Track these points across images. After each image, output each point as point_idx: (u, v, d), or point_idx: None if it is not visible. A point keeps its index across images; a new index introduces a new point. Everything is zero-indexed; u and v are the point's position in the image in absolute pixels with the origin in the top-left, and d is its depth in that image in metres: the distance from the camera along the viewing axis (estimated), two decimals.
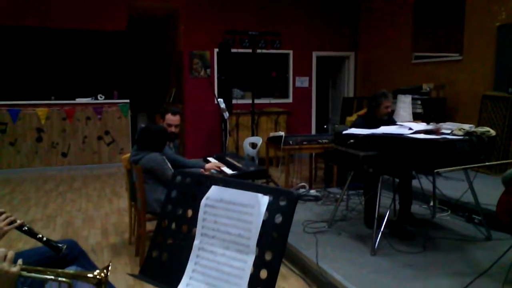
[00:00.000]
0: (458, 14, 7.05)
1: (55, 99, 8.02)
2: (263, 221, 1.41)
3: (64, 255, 2.26)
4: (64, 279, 1.70)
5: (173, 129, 4.14)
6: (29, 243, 4.04)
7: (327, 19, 9.37)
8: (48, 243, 2.09)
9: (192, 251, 1.52)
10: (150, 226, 3.92)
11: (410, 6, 8.06)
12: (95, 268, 2.18)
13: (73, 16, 7.99)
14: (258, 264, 1.38)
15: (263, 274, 1.37)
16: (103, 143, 8.33)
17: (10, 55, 7.87)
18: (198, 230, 1.53)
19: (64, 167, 8.06)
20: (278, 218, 1.40)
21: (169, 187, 1.69)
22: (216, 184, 1.55)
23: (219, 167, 4.20)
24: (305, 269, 3.58)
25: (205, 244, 1.51)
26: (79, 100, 8.14)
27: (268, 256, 1.38)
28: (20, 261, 1.72)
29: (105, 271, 1.72)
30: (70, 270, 1.82)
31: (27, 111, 7.82)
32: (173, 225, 1.63)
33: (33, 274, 1.72)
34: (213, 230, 1.50)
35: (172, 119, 4.13)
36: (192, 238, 1.54)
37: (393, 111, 6.32)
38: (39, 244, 2.19)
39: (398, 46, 8.39)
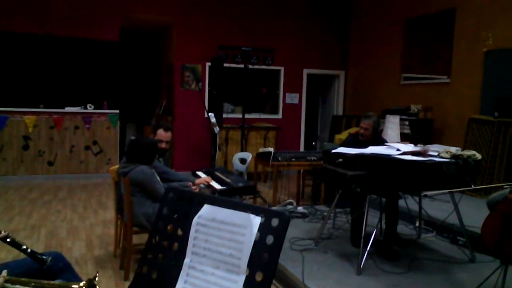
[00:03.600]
0: (447, 38, 7.20)
1: (44, 107, 7.96)
2: (255, 242, 1.42)
3: (49, 267, 2.24)
4: None
5: (164, 145, 4.15)
6: (12, 253, 3.98)
7: (318, 38, 9.50)
8: (32, 254, 2.07)
9: (182, 269, 1.52)
10: (136, 239, 3.90)
11: (401, 28, 8.22)
12: (81, 281, 2.16)
13: (65, 24, 7.98)
14: (249, 284, 1.38)
15: None
16: (90, 153, 8.27)
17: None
18: (189, 248, 1.54)
19: (50, 176, 7.97)
20: (270, 239, 1.41)
21: (161, 203, 1.69)
22: (208, 203, 1.56)
23: (208, 182, 4.20)
24: (290, 287, 3.57)
25: (196, 263, 1.51)
26: (68, 109, 8.09)
27: (258, 277, 1.38)
28: (4, 273, 1.70)
29: (91, 282, 1.70)
30: (57, 282, 1.80)
31: (15, 118, 7.74)
32: (164, 242, 1.62)
33: (17, 286, 1.70)
34: (204, 249, 1.51)
35: (163, 135, 4.14)
36: (182, 256, 1.54)
37: (381, 131, 6.41)
38: (23, 255, 2.18)
39: (388, 67, 8.53)
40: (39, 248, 4.25)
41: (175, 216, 1.64)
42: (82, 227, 5.21)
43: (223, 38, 8.46)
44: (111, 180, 4.37)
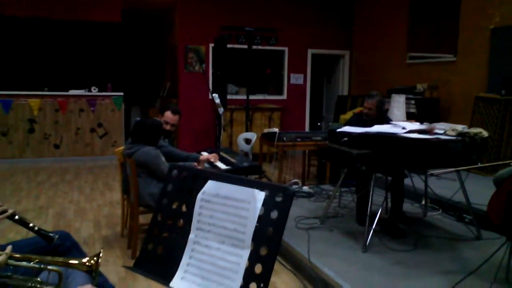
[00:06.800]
0: (453, 16, 7.09)
1: (48, 90, 7.97)
2: (259, 217, 1.42)
3: (56, 245, 2.26)
4: (54, 268, 1.69)
5: (169, 127, 4.14)
6: (20, 234, 4.02)
7: (323, 17, 9.38)
8: (39, 232, 2.09)
9: (187, 245, 1.53)
10: (143, 219, 3.93)
11: (406, 6, 8.09)
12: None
13: (67, 7, 7.93)
14: (253, 258, 1.39)
15: (258, 268, 1.38)
16: (96, 135, 8.30)
17: (3, 45, 7.79)
18: (194, 224, 1.54)
19: (56, 158, 8.02)
20: (274, 214, 1.41)
21: (165, 180, 1.69)
22: (212, 179, 1.56)
23: (213, 160, 4.20)
24: (296, 265, 3.60)
25: (201, 238, 1.51)
26: (72, 92, 8.09)
27: (263, 251, 1.39)
28: (8, 249, 1.70)
29: (95, 258, 1.71)
30: (60, 258, 1.81)
31: (20, 102, 7.76)
32: (169, 219, 1.63)
33: (22, 263, 1.70)
34: (208, 224, 1.51)
35: (170, 117, 4.13)
36: (187, 232, 1.55)
37: (387, 110, 6.36)
38: (31, 235, 2.19)
39: (393, 46, 8.43)
40: (47, 229, 4.28)
41: (180, 192, 1.64)
42: (89, 208, 5.25)
43: (226, 19, 8.38)
44: (116, 162, 4.39)
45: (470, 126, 4.59)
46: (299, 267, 3.55)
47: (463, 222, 4.37)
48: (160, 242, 1.62)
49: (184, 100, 8.63)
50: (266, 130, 6.21)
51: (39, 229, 2.10)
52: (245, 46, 7.62)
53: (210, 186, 1.56)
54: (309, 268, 3.40)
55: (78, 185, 6.38)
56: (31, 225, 2.08)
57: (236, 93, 8.85)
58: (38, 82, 7.94)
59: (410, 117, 6.63)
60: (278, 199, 1.43)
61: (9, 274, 1.71)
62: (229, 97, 7.93)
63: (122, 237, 4.26)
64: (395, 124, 4.11)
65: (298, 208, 4.75)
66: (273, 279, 3.42)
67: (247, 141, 6.39)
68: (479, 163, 3.80)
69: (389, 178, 4.25)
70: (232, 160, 4.27)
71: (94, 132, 8.28)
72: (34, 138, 7.91)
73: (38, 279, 1.74)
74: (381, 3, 8.77)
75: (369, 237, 3.67)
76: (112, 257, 3.78)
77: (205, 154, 4.38)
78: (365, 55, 9.35)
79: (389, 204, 4.41)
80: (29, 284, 1.69)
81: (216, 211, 1.51)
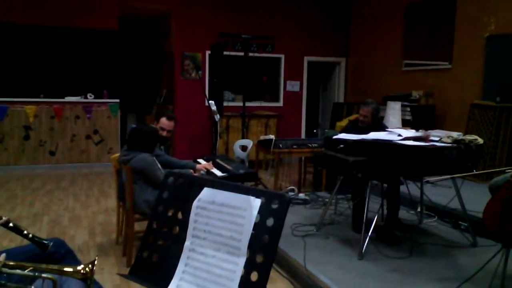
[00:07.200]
0: (448, 23, 7.14)
1: (44, 97, 7.94)
2: (255, 224, 1.41)
3: (51, 253, 2.24)
4: (48, 275, 1.68)
5: (165, 133, 4.14)
6: (14, 242, 3.99)
7: (319, 25, 9.43)
8: (34, 239, 2.07)
9: (183, 252, 1.52)
10: (138, 226, 3.91)
11: (401, 14, 8.15)
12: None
13: (64, 14, 7.93)
14: (249, 266, 1.38)
15: (254, 276, 1.37)
16: (91, 142, 8.27)
17: None
18: (189, 231, 1.53)
19: (52, 165, 7.98)
20: (270, 221, 1.40)
21: (161, 188, 1.69)
22: (208, 186, 1.56)
23: (209, 168, 4.20)
24: (292, 272, 3.59)
25: (196, 246, 1.51)
26: (68, 99, 8.07)
27: (259, 259, 1.38)
28: (2, 257, 1.68)
29: (90, 266, 1.70)
30: (55, 266, 1.79)
31: (15, 108, 7.73)
32: (164, 226, 1.62)
33: (16, 271, 1.69)
34: (204, 231, 1.51)
35: (166, 123, 4.13)
36: (183, 239, 1.54)
37: (382, 117, 6.39)
38: (25, 242, 2.17)
39: (389, 53, 8.47)
40: (42, 236, 4.26)
41: (175, 199, 1.63)
42: (84, 215, 5.23)
43: (223, 26, 8.40)
44: (112, 169, 4.38)
45: (465, 133, 4.61)
46: (295, 275, 3.54)
47: (459, 229, 4.38)
48: (155, 249, 1.61)
49: (180, 107, 8.63)
50: (262, 137, 6.22)
51: (34, 236, 2.08)
52: (242, 53, 7.65)
53: (206, 193, 1.55)
54: (305, 275, 3.39)
55: (73, 192, 6.35)
56: (25, 232, 2.06)
57: (233, 100, 8.87)
58: (34, 89, 7.92)
59: (405, 124, 6.65)
60: (274, 206, 1.42)
61: (3, 282, 1.69)
62: (225, 104, 7.94)
63: (117, 244, 4.24)
64: (391, 131, 4.12)
65: (294, 215, 4.75)
66: (269, 286, 3.40)
67: (243, 148, 6.38)
68: (474, 170, 3.82)
69: (385, 185, 4.26)
70: (228, 167, 4.26)
71: (90, 139, 8.26)
72: (30, 145, 7.88)
73: (32, 287, 1.72)
74: (377, 10, 8.83)
75: (365, 244, 3.67)
76: (107, 265, 3.75)
77: (202, 163, 4.38)
78: (361, 62, 9.40)
79: (385, 211, 4.42)
80: None
81: (212, 218, 1.51)
